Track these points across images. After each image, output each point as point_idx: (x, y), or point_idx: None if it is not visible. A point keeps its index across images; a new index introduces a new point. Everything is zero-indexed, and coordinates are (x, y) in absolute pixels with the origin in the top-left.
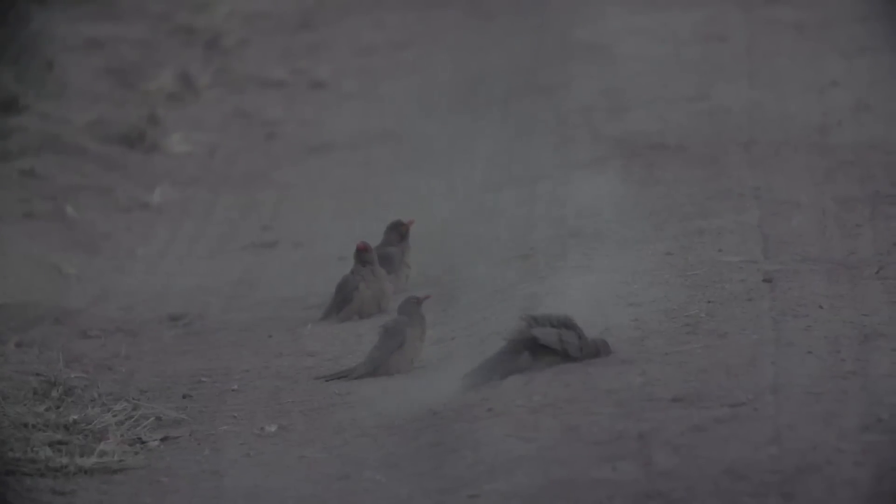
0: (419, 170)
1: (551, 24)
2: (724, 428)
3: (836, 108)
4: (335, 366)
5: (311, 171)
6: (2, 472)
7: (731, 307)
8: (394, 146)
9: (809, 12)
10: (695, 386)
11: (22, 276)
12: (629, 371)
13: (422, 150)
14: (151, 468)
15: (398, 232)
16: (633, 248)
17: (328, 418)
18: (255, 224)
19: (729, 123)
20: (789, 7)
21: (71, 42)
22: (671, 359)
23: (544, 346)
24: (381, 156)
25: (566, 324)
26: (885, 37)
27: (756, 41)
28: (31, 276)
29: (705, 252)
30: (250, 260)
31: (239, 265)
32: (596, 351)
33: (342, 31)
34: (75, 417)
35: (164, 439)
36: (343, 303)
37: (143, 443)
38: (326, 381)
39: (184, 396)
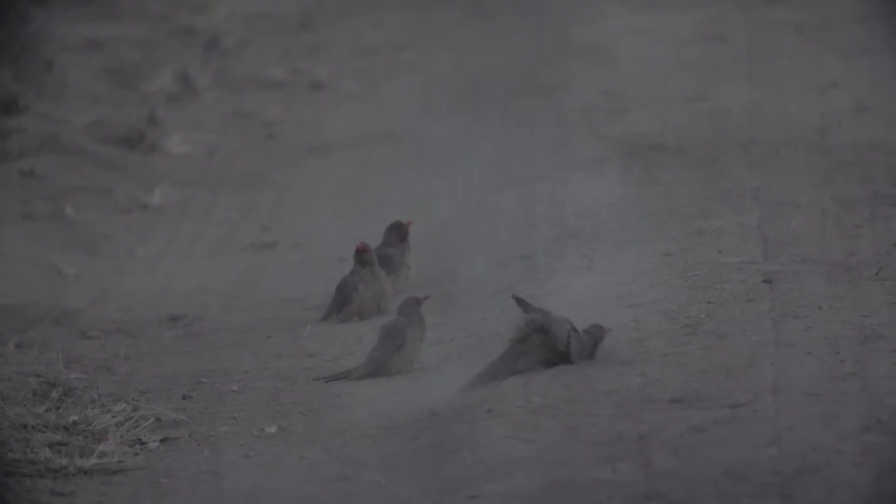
0: (419, 170)
1: (551, 25)
2: (723, 429)
3: (835, 109)
4: (335, 367)
5: (310, 172)
6: (1, 472)
7: (730, 308)
8: (393, 146)
9: (809, 13)
10: (694, 387)
11: (21, 277)
12: (629, 372)
13: (422, 150)
14: (151, 469)
15: (398, 232)
16: (633, 249)
17: (328, 419)
18: (255, 225)
19: (728, 124)
20: (789, 8)
21: (71, 42)
22: (671, 360)
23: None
24: (380, 156)
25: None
26: (885, 38)
27: (756, 42)
28: (31, 276)
29: (705, 253)
30: (250, 261)
31: (238, 266)
32: (593, 344)
33: (342, 32)
34: (75, 418)
35: (163, 440)
36: (343, 304)
37: (142, 444)
38: (326, 382)
39: (183, 397)
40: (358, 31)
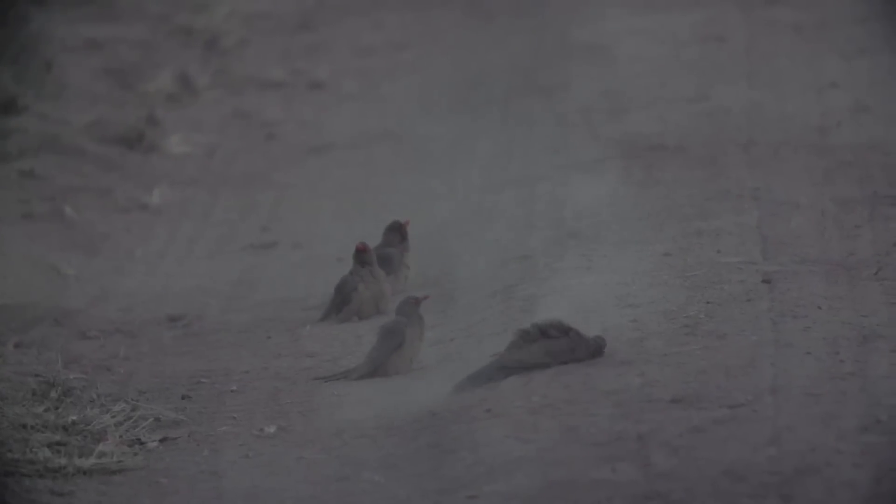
0: (419, 171)
1: (551, 25)
2: (722, 429)
3: (834, 109)
4: (334, 367)
5: (310, 172)
6: (1, 472)
7: (729, 308)
8: (393, 146)
9: (808, 13)
10: (694, 387)
11: (21, 277)
12: (628, 372)
13: (421, 150)
14: (150, 469)
15: (398, 233)
16: (632, 249)
17: (326, 419)
18: (255, 225)
19: (728, 124)
20: (788, 8)
21: (70, 43)
22: (670, 360)
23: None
24: (380, 156)
25: (559, 328)
26: (884, 38)
27: (755, 42)
28: (30, 276)
29: (704, 253)
30: (250, 261)
31: (238, 266)
32: (597, 349)
33: (341, 32)
34: (74, 418)
35: (163, 440)
36: (342, 304)
37: (141, 444)
38: (325, 381)
39: (182, 397)
40: (357, 32)
